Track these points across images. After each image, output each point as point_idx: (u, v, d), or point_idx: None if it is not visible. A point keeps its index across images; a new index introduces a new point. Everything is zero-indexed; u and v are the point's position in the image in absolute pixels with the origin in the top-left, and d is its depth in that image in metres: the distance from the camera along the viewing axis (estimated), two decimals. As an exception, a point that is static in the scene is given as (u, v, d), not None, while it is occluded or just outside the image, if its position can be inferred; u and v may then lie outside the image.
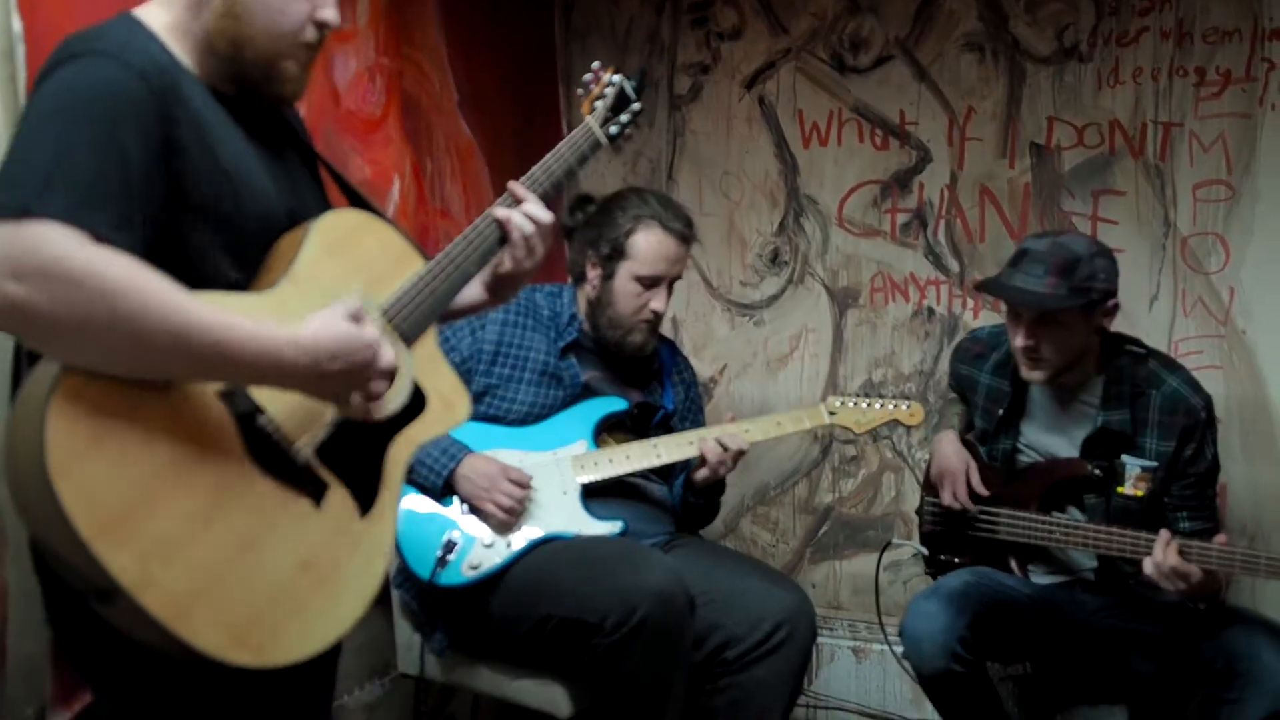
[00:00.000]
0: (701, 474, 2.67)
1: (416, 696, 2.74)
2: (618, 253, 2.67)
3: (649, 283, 2.66)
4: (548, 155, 1.93)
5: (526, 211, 1.82)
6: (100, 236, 1.29)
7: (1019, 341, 2.53)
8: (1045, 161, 3.34)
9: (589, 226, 2.73)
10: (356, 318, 1.47)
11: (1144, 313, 3.20)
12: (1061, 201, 3.32)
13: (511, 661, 2.61)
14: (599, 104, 2.04)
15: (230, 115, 1.56)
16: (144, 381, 1.34)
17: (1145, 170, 3.24)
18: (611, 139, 2.05)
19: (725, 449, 2.63)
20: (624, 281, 2.67)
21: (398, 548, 2.54)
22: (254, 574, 1.41)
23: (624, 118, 2.07)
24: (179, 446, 1.36)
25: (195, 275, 1.44)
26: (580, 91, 2.08)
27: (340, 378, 1.45)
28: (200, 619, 1.34)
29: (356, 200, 1.79)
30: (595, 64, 2.10)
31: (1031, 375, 2.57)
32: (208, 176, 1.47)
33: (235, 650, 1.36)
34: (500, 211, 1.81)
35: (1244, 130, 3.14)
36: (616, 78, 2.08)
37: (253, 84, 1.58)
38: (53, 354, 1.29)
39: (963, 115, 3.42)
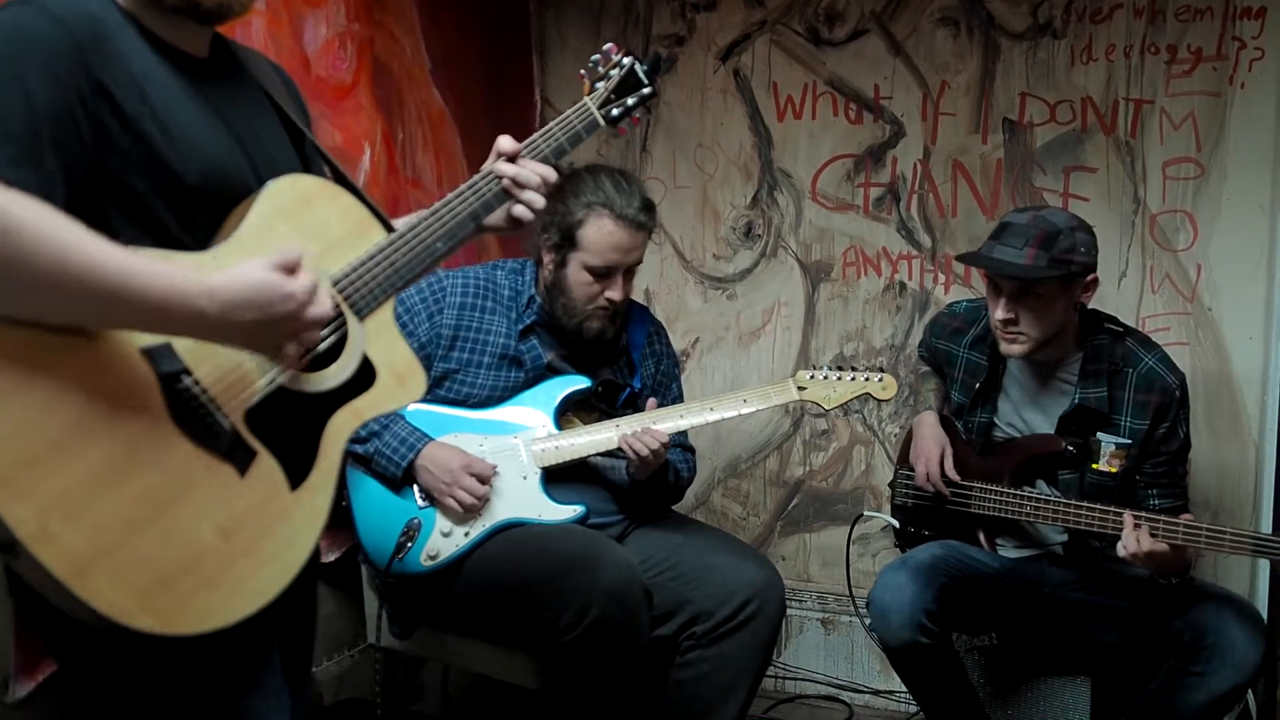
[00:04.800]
0: (633, 469, 2.61)
1: (386, 667, 2.74)
2: (568, 242, 2.57)
3: (601, 273, 2.57)
4: (537, 133, 1.88)
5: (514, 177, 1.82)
6: (1, 176, 1.26)
7: (999, 314, 2.53)
8: (1018, 137, 3.35)
9: (544, 210, 2.63)
10: (287, 268, 1.43)
11: (1113, 289, 3.22)
12: (1033, 177, 3.34)
13: (478, 637, 2.62)
14: (600, 85, 1.98)
15: (188, 78, 1.53)
16: (64, 335, 1.31)
17: (1116, 147, 3.26)
18: (611, 121, 1.98)
19: (639, 446, 2.52)
20: (576, 270, 2.58)
21: (357, 536, 2.53)
22: (166, 539, 1.38)
23: (630, 100, 2.00)
24: (94, 403, 1.33)
25: (140, 231, 1.43)
26: (583, 72, 2.01)
27: (257, 329, 1.41)
28: (101, 579, 1.31)
29: (340, 179, 1.73)
30: (607, 45, 2.02)
31: (1010, 350, 2.58)
32: (146, 123, 1.44)
33: (140, 615, 1.34)
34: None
35: (1214, 109, 3.15)
36: (627, 60, 2.01)
37: (204, 14, 1.54)
38: None
39: (936, 90, 3.43)
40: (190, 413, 1.42)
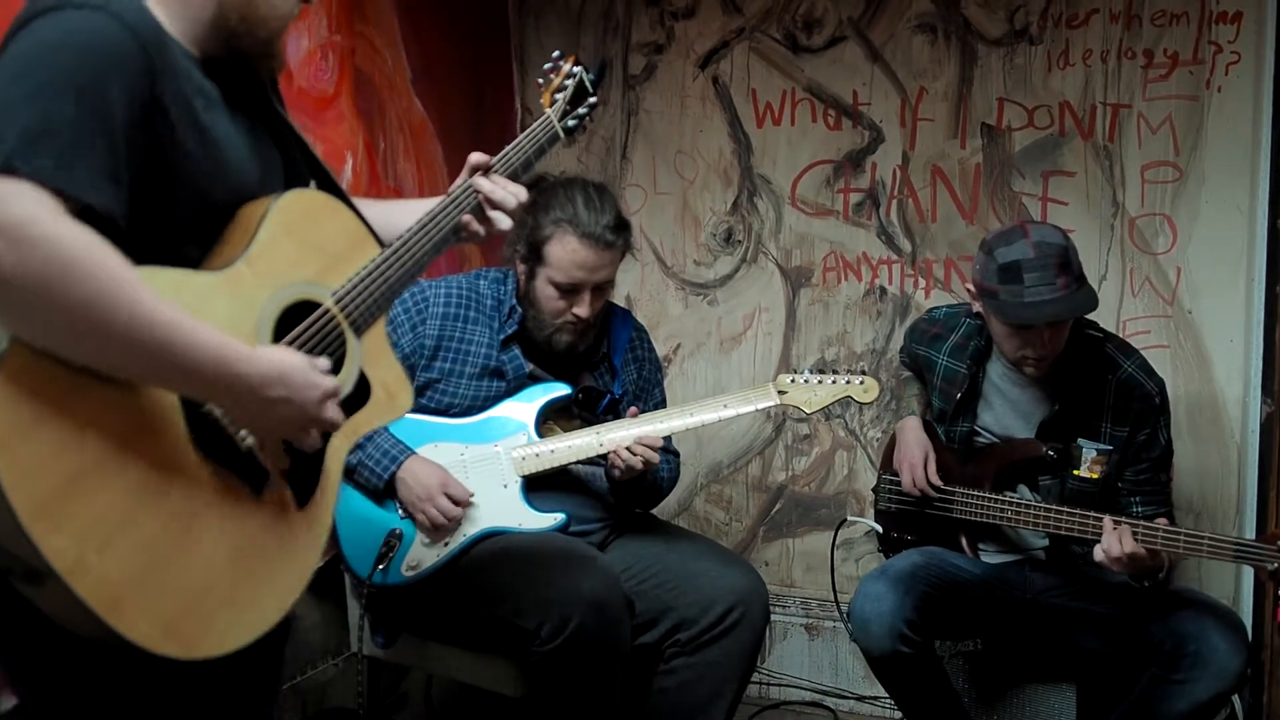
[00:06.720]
0: (615, 473, 2.57)
1: (369, 676, 2.73)
2: (535, 256, 2.55)
3: (567, 289, 2.54)
4: (507, 147, 1.92)
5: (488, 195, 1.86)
6: (80, 203, 1.27)
7: (1033, 352, 2.50)
8: (996, 142, 3.37)
9: (519, 222, 2.62)
10: (318, 365, 1.48)
11: (1092, 293, 3.23)
12: (1012, 182, 3.35)
13: (460, 645, 2.61)
14: (559, 96, 2.04)
15: (215, 85, 1.54)
16: None
17: (1094, 151, 3.27)
18: (568, 132, 2.05)
19: (630, 457, 2.50)
20: (543, 285, 2.55)
21: (339, 545, 2.53)
22: (189, 563, 1.38)
23: (581, 110, 2.07)
24: (123, 429, 1.33)
25: (151, 240, 1.41)
26: (540, 82, 2.07)
27: (278, 406, 1.43)
28: (133, 608, 1.31)
29: (326, 183, 1.76)
30: (555, 53, 2.08)
31: (1036, 373, 2.57)
32: (190, 141, 1.44)
33: (166, 642, 1.34)
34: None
35: (1191, 112, 3.17)
36: (577, 70, 2.07)
37: (252, 59, 1.57)
38: (4, 319, 1.24)
39: (915, 96, 3.44)
40: (213, 436, 1.43)
